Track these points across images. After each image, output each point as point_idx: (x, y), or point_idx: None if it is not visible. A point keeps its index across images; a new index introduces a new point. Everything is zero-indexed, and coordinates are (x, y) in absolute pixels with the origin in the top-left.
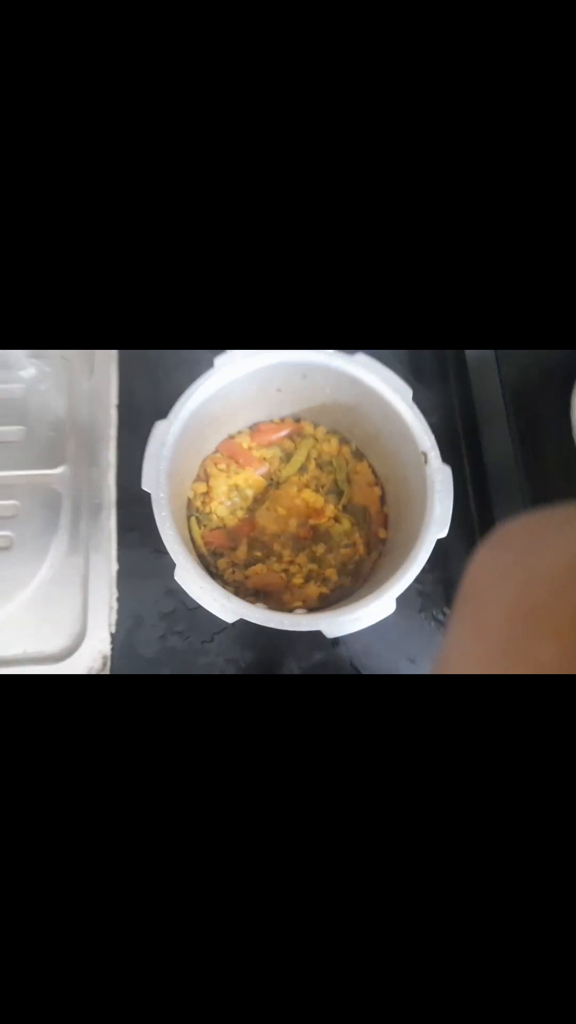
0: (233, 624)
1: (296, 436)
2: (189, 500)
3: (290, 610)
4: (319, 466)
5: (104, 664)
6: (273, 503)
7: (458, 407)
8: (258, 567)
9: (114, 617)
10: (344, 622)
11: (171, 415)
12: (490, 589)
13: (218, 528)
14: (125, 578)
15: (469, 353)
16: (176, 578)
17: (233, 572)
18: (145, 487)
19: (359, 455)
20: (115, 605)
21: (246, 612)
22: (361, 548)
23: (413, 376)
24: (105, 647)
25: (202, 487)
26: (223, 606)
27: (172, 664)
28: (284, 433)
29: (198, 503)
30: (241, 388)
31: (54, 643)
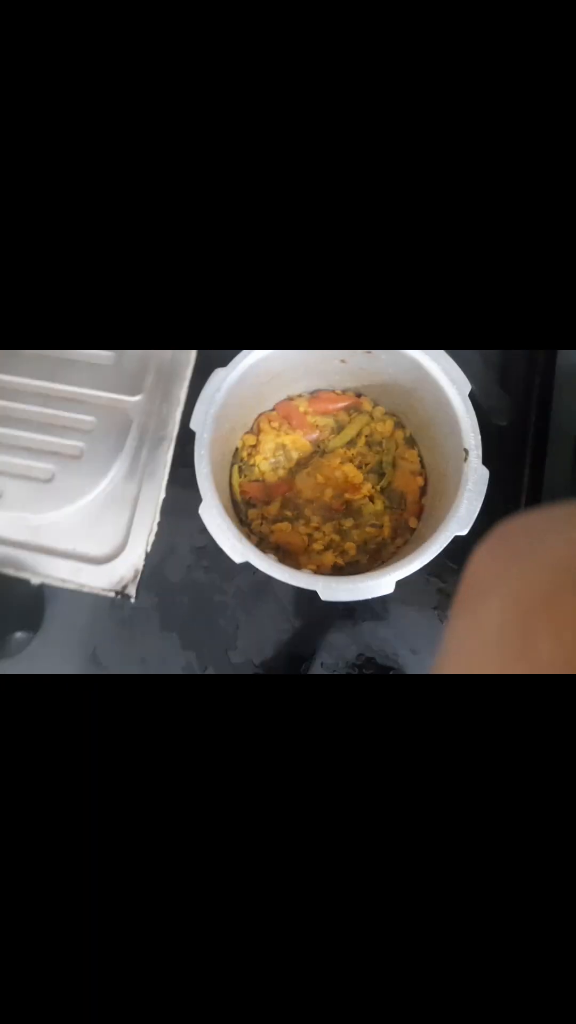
0: (253, 573)
1: (354, 410)
2: (237, 449)
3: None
4: (368, 444)
5: (135, 577)
6: (314, 469)
7: (534, 419)
8: (284, 524)
9: (152, 539)
10: (339, 589)
11: (231, 364)
12: (489, 588)
13: (257, 481)
14: (169, 508)
15: (560, 365)
16: (199, 511)
17: (261, 524)
18: (192, 426)
19: (411, 442)
20: (155, 529)
21: (252, 557)
22: (387, 531)
23: (499, 379)
24: (139, 563)
25: (251, 439)
26: (234, 546)
27: (191, 593)
28: (342, 405)
29: (244, 454)
30: (306, 355)
31: (98, 549)
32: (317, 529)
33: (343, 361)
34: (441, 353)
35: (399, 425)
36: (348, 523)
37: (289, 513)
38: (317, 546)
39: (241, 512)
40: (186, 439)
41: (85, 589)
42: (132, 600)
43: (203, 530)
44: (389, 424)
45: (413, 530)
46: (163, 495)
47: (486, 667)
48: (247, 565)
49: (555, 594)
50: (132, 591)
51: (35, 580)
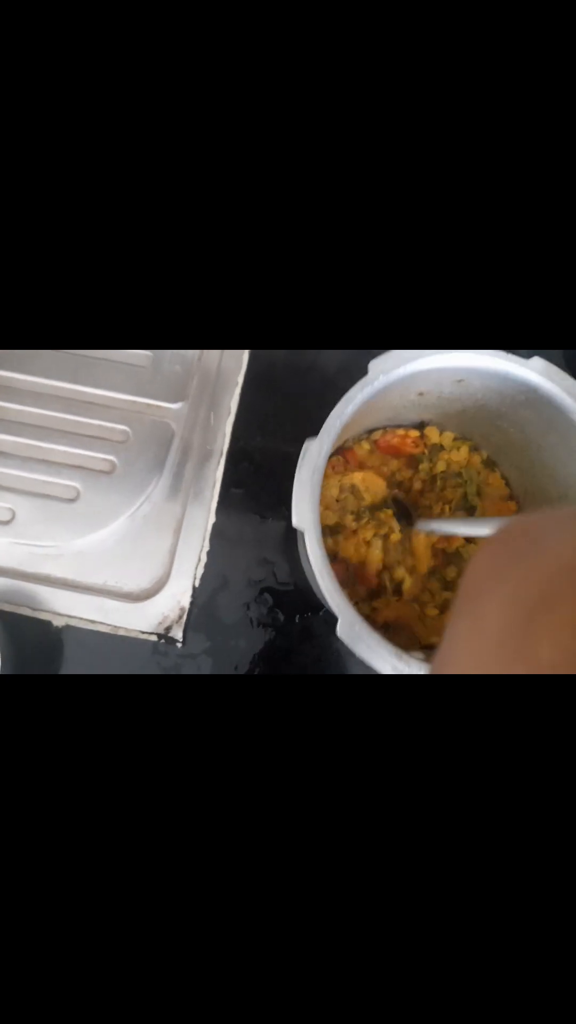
0: (320, 612)
1: (420, 442)
2: None
3: (427, 645)
4: (445, 477)
5: (180, 616)
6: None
7: None
8: (386, 599)
9: (200, 571)
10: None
11: (323, 433)
12: (490, 589)
13: (338, 560)
14: (220, 534)
15: None
16: (339, 633)
17: (358, 605)
18: (297, 524)
19: (491, 464)
20: (204, 559)
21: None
22: None
23: None
24: (185, 599)
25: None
26: (392, 664)
27: (248, 636)
28: (410, 440)
29: None
30: (388, 391)
31: (136, 582)
32: (424, 591)
33: (420, 394)
34: (556, 370)
35: (474, 448)
36: (452, 572)
37: (387, 584)
38: (431, 611)
39: None
40: (238, 455)
41: (120, 632)
42: (179, 645)
43: (262, 561)
44: (464, 450)
45: None
46: (213, 519)
47: (486, 667)
48: (317, 602)
49: (555, 594)
50: (178, 634)
51: (57, 622)
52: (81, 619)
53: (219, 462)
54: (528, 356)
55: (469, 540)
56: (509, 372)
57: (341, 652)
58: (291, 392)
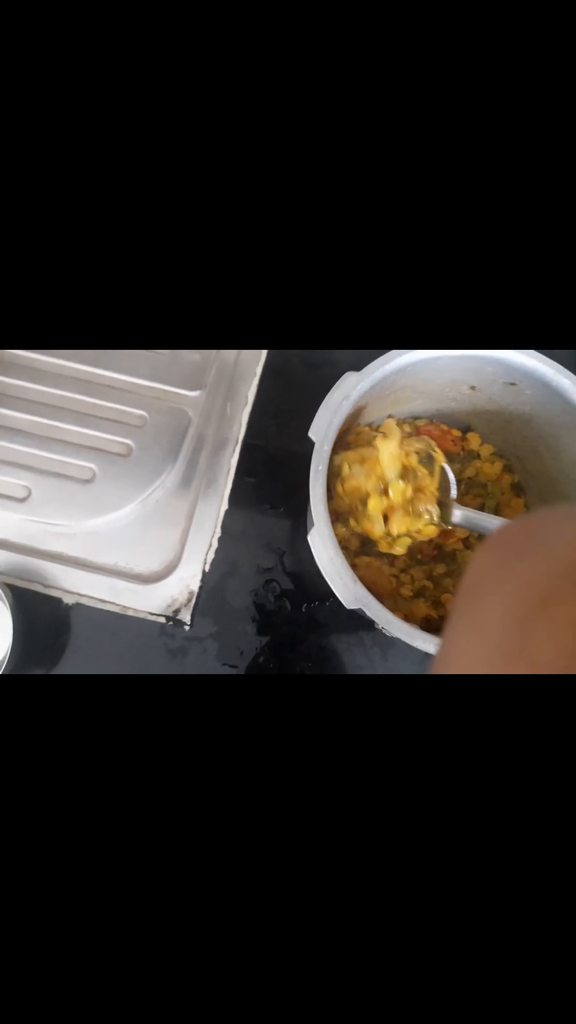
0: (329, 602)
1: (459, 443)
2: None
3: None
4: (470, 485)
5: (189, 600)
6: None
7: None
8: (369, 559)
9: (211, 556)
10: None
11: (367, 369)
12: (490, 589)
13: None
14: (231, 521)
15: None
16: (309, 538)
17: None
18: (312, 434)
19: (519, 489)
20: (215, 544)
21: (369, 604)
22: None
23: None
24: (194, 583)
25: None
26: (347, 587)
27: (256, 621)
28: (451, 440)
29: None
30: (439, 368)
31: (146, 564)
32: (404, 571)
33: (472, 388)
34: None
35: (508, 470)
36: (440, 569)
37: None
38: (406, 591)
39: None
40: (253, 445)
41: (129, 612)
42: (186, 628)
43: (271, 548)
44: (498, 466)
45: None
46: (225, 506)
47: (486, 667)
48: (324, 592)
49: (555, 594)
50: (186, 617)
51: (68, 599)
52: (91, 598)
53: (234, 451)
54: None
55: (467, 546)
56: (561, 387)
57: (346, 642)
58: (306, 386)
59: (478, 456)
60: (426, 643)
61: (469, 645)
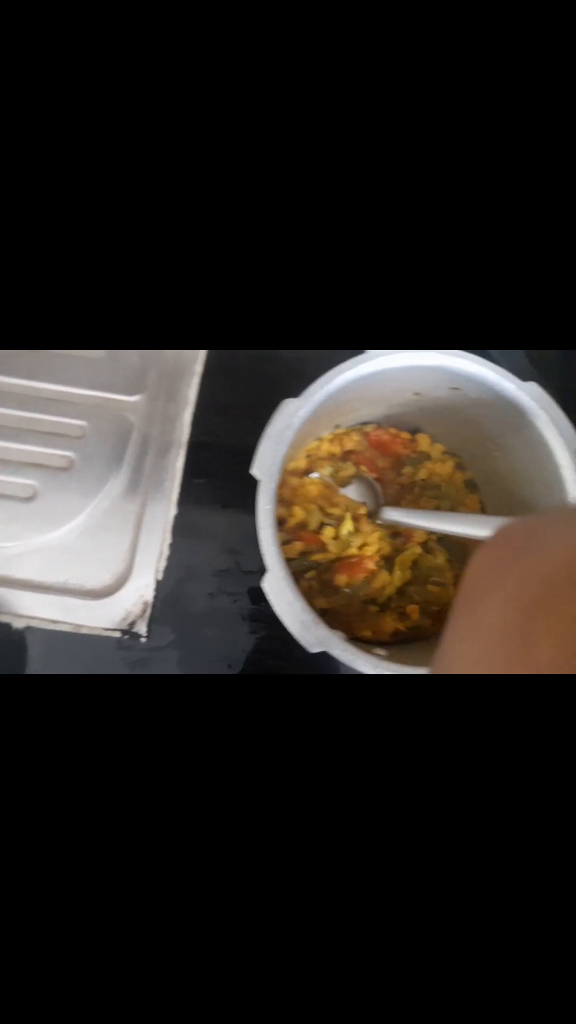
0: None
1: (410, 446)
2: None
3: (358, 638)
4: (423, 488)
5: (144, 611)
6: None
7: None
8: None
9: (163, 564)
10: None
11: (307, 393)
12: (489, 589)
13: (299, 526)
14: (182, 526)
15: None
16: (263, 584)
17: (312, 579)
18: (255, 472)
19: (472, 486)
20: (166, 551)
21: (332, 646)
22: (451, 589)
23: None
24: (148, 593)
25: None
26: (308, 631)
27: (216, 625)
28: (400, 443)
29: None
30: (382, 380)
31: (97, 578)
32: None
33: (416, 394)
34: (549, 400)
35: (460, 467)
36: (405, 576)
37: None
38: (373, 608)
39: None
40: (199, 445)
41: (83, 630)
42: (143, 639)
43: (226, 550)
44: (449, 465)
45: None
46: (174, 511)
47: (486, 667)
48: None
49: (555, 594)
50: (142, 628)
51: (18, 623)
52: (43, 619)
53: (179, 453)
54: (526, 380)
55: (427, 550)
56: (503, 391)
57: None
58: (251, 381)
59: (429, 457)
60: (398, 670)
61: (469, 645)
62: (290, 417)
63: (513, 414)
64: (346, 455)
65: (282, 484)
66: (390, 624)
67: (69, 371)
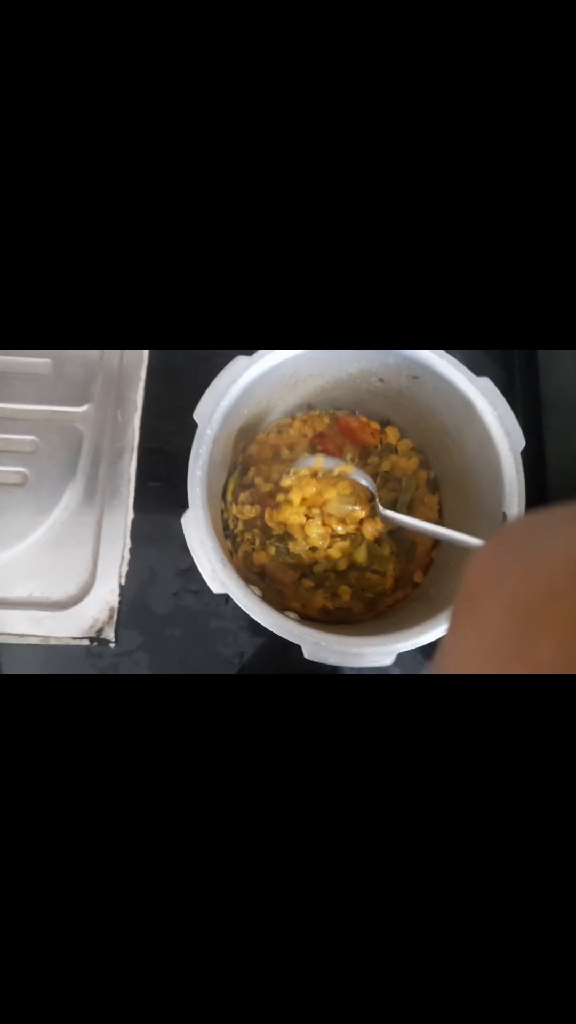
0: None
1: (378, 436)
2: (240, 457)
3: (286, 608)
4: (386, 479)
5: (111, 617)
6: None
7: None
8: (272, 549)
9: (125, 568)
10: (329, 651)
11: (255, 355)
12: (490, 588)
13: (249, 487)
14: (141, 529)
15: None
16: (182, 520)
17: (252, 541)
18: (196, 416)
19: (434, 486)
20: (127, 556)
21: (234, 589)
22: (390, 581)
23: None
24: (113, 599)
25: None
26: (214, 571)
27: (183, 624)
28: (367, 433)
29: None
30: (344, 359)
31: (62, 589)
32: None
33: (381, 380)
34: (499, 396)
35: (424, 465)
36: (343, 563)
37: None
38: (307, 583)
39: (228, 527)
40: (151, 449)
41: (51, 641)
42: (112, 645)
43: (187, 549)
44: (414, 461)
45: (416, 585)
46: (131, 515)
47: (486, 667)
48: None
49: (555, 594)
50: (110, 634)
51: None
52: (10, 634)
53: (131, 458)
54: (479, 374)
55: (377, 540)
56: (455, 382)
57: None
58: (195, 379)
59: (395, 451)
60: (290, 635)
61: (469, 645)
62: (238, 373)
63: (464, 405)
64: (317, 438)
65: (248, 442)
66: (319, 601)
67: (14, 388)
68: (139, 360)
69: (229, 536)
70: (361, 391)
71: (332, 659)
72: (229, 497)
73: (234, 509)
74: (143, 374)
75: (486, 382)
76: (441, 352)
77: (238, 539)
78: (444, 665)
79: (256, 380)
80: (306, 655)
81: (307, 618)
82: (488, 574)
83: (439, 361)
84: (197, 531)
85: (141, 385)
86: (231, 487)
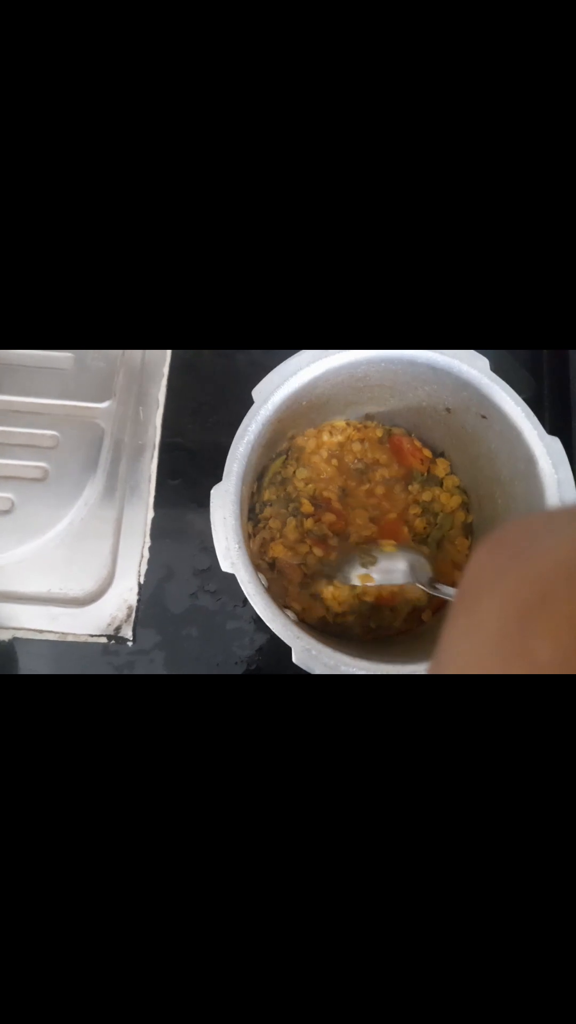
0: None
1: (426, 464)
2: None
3: (286, 606)
4: (424, 510)
5: (129, 615)
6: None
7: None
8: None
9: (144, 567)
10: (316, 660)
11: (327, 352)
12: (488, 588)
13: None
14: (160, 527)
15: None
16: (212, 491)
17: (271, 522)
18: (255, 393)
19: (469, 531)
20: (147, 554)
21: (242, 573)
22: (400, 620)
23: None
24: (132, 597)
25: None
26: (227, 550)
27: (199, 624)
28: (419, 459)
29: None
30: (415, 375)
31: (80, 586)
32: (309, 555)
33: (448, 410)
34: (564, 460)
35: (465, 508)
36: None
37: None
38: (315, 589)
39: (255, 510)
40: (172, 445)
41: (69, 638)
42: (130, 643)
43: (205, 548)
44: (456, 500)
45: (422, 623)
46: (151, 513)
47: (485, 667)
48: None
49: (554, 594)
50: (128, 632)
51: (3, 635)
52: (28, 629)
53: (152, 455)
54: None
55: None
56: (523, 433)
57: None
58: (218, 377)
59: (440, 484)
60: (284, 633)
61: (467, 645)
62: (304, 363)
63: (527, 461)
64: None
65: (298, 432)
66: (320, 611)
67: (36, 382)
68: (162, 357)
69: (252, 519)
70: (425, 415)
71: (318, 669)
72: (266, 482)
73: (266, 494)
74: (166, 370)
75: (555, 442)
76: (518, 399)
77: (260, 524)
78: (442, 665)
79: (324, 375)
80: (295, 659)
81: (304, 623)
82: (486, 574)
83: (514, 408)
84: (223, 506)
85: (164, 381)
86: (271, 472)
